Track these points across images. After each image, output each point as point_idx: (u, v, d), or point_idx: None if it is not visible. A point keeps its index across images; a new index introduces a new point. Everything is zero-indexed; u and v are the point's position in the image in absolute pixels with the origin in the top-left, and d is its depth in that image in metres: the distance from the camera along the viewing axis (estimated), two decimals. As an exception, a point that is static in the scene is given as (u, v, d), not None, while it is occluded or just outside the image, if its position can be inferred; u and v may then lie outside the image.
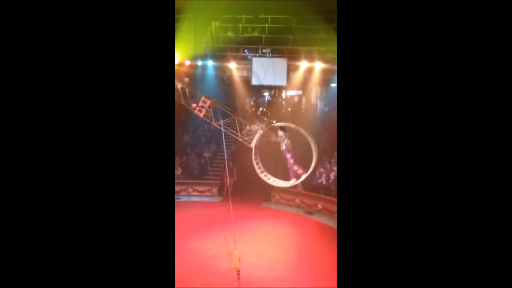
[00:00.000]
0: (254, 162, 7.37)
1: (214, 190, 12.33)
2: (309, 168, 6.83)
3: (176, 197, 12.24)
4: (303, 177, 7.28)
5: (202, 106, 8.59)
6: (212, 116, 7.67)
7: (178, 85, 6.94)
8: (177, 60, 13.81)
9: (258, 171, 7.53)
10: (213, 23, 14.13)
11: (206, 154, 13.39)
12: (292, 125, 6.96)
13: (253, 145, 7.21)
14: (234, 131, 7.37)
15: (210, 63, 13.79)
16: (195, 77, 14.60)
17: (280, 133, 7.52)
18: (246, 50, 13.51)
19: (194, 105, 8.59)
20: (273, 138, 7.60)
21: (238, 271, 6.56)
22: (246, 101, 15.37)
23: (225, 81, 14.38)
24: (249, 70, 13.20)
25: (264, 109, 14.85)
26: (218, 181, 12.60)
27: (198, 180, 12.72)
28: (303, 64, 12.51)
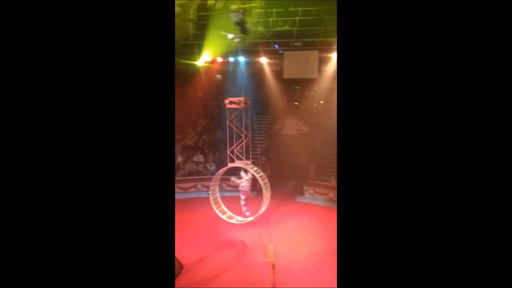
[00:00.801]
0: (212, 202, 7.90)
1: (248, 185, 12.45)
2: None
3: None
4: (250, 219, 8.11)
5: (234, 102, 8.77)
6: (233, 113, 8.04)
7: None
8: (209, 57, 14.00)
9: (217, 210, 7.98)
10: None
11: (240, 150, 13.52)
12: (252, 171, 8.14)
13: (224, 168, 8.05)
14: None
15: (241, 58, 13.88)
16: (227, 74, 14.76)
17: (243, 174, 7.92)
18: (276, 45, 13.47)
19: (226, 101, 8.79)
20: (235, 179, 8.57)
21: (273, 265, 6.64)
22: (277, 95, 15.38)
23: (256, 76, 14.45)
24: (281, 64, 13.17)
25: (296, 103, 14.78)
26: (251, 176, 12.70)
27: (231, 175, 12.90)
28: (335, 56, 12.32)
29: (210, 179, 12.68)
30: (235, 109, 8.23)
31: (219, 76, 15.43)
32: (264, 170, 12.24)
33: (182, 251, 7.01)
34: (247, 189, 8.04)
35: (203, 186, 12.56)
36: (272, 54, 13.47)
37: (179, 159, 13.00)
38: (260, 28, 14.34)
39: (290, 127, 13.83)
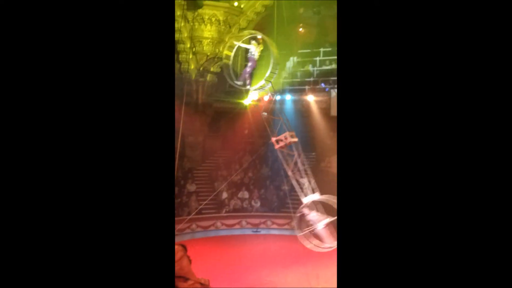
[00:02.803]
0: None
1: (294, 224, 12.06)
2: None
3: (255, 229, 12.22)
4: (247, 84, 7.72)
5: (281, 140, 8.71)
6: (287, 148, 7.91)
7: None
8: (256, 96, 14.30)
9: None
10: (291, 59, 14.50)
11: (285, 187, 13.29)
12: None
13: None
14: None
15: (288, 97, 14.02)
16: (274, 111, 14.90)
17: (253, 42, 7.60)
18: (323, 84, 13.50)
19: (273, 139, 8.75)
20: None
21: (322, 309, 6.17)
22: (325, 132, 15.20)
23: (303, 113, 14.44)
24: (328, 101, 13.11)
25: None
26: (298, 215, 12.32)
27: (277, 213, 12.60)
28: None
29: (255, 216, 12.48)
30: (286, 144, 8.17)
31: (265, 114, 15.63)
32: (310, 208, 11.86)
33: (225, 288, 6.75)
34: (255, 58, 7.69)
35: (248, 223, 12.32)
36: (319, 92, 13.50)
37: (224, 195, 12.97)
38: (307, 67, 14.55)
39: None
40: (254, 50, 7.62)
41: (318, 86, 13.56)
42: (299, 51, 14.64)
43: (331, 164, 13.54)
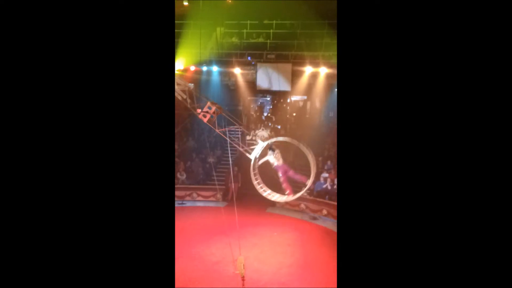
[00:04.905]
0: (252, 174, 7.25)
1: (219, 195, 12.32)
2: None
3: (180, 202, 12.24)
4: (303, 191, 7.01)
5: (207, 112, 8.62)
6: (216, 122, 7.67)
7: (188, 86, 7.00)
8: (182, 66, 13.89)
9: (255, 182, 7.43)
10: (218, 29, 14.24)
11: (211, 159, 13.40)
12: (288, 139, 6.82)
13: (252, 156, 7.09)
14: (236, 139, 7.41)
15: (215, 68, 13.87)
16: (200, 82, 14.68)
17: (269, 152, 7.37)
18: (249, 57, 13.55)
19: (199, 110, 8.62)
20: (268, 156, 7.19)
21: (243, 277, 6.53)
22: (251, 106, 15.39)
23: (230, 86, 14.43)
24: (254, 75, 13.25)
25: (269, 114, 14.88)
26: (223, 187, 12.58)
27: (202, 185, 12.72)
28: (308, 69, 12.51)
29: (180, 189, 12.47)
30: (211, 116, 7.94)
31: (191, 85, 15.32)
32: (236, 181, 12.14)
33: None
34: (281, 163, 7.12)
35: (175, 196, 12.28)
36: (245, 65, 13.55)
37: (148, 168, 12.68)
38: (234, 39, 14.43)
39: (262, 138, 13.81)
40: (273, 157, 7.07)
41: (245, 59, 13.58)
42: (226, 21, 14.41)
43: (256, 137, 13.88)
